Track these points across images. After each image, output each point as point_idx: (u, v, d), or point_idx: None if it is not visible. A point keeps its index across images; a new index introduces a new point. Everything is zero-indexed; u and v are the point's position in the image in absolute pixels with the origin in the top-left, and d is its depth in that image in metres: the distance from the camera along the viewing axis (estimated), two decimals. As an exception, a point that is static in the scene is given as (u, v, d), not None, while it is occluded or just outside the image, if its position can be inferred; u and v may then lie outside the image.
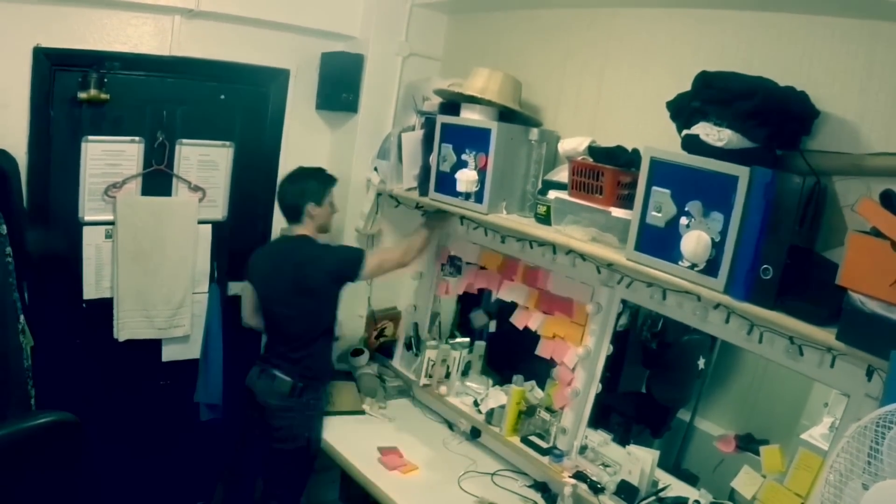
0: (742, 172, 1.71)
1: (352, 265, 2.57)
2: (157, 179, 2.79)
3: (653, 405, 2.56)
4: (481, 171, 2.43)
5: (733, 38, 2.06)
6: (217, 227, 3.00)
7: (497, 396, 2.77)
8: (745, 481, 2.01)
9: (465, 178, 2.45)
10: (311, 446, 2.65)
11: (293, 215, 2.63)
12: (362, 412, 2.95)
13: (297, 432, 2.58)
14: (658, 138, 2.02)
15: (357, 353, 3.19)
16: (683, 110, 1.89)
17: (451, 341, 3.05)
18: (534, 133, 2.47)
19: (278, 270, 2.59)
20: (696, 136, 1.81)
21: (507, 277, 2.75)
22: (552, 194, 2.32)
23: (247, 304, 2.79)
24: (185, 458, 3.12)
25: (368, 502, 2.50)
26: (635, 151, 2.10)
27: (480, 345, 3.06)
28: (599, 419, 2.47)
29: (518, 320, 2.71)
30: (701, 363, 2.35)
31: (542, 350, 2.61)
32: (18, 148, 2.42)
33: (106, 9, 2.50)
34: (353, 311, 3.18)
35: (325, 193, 2.63)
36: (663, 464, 2.27)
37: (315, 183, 2.62)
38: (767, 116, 1.73)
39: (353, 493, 2.52)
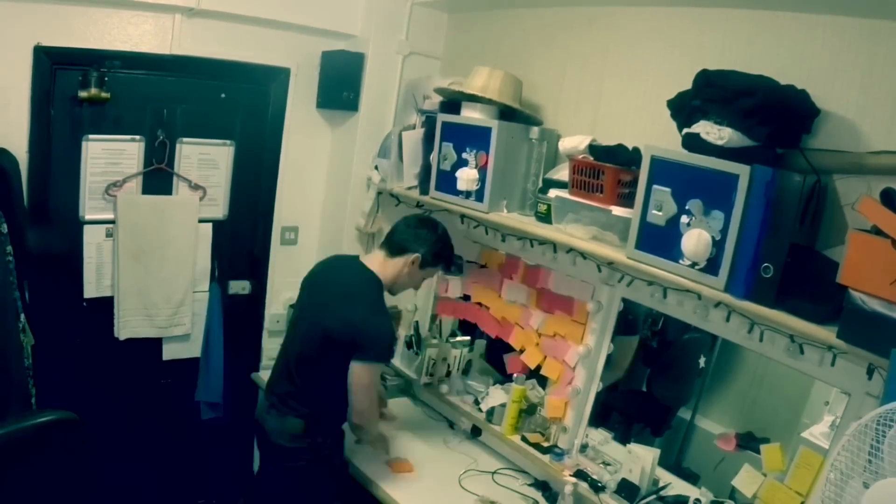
0: (742, 171, 1.71)
1: (375, 349, 2.18)
2: (158, 178, 2.79)
3: (653, 404, 2.56)
4: (482, 170, 2.44)
5: (734, 37, 2.06)
6: (218, 225, 3.00)
7: (497, 395, 2.77)
8: (745, 480, 2.01)
9: (466, 177, 2.45)
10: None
11: (393, 247, 2.34)
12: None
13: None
14: (659, 137, 2.02)
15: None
16: (684, 109, 1.89)
17: (451, 340, 3.06)
18: (534, 132, 2.47)
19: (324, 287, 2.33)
20: (697, 135, 1.81)
21: (508, 276, 2.75)
22: (553, 193, 2.32)
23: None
24: (185, 456, 3.13)
25: (369, 501, 2.50)
26: (636, 150, 2.10)
27: (481, 343, 3.07)
28: (600, 418, 2.47)
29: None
30: (701, 362, 2.35)
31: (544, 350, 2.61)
32: (19, 146, 2.42)
33: (106, 7, 2.49)
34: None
35: (436, 264, 2.40)
36: (664, 462, 2.27)
37: (441, 249, 2.38)
38: (768, 115, 1.73)
39: (353, 492, 2.51)
